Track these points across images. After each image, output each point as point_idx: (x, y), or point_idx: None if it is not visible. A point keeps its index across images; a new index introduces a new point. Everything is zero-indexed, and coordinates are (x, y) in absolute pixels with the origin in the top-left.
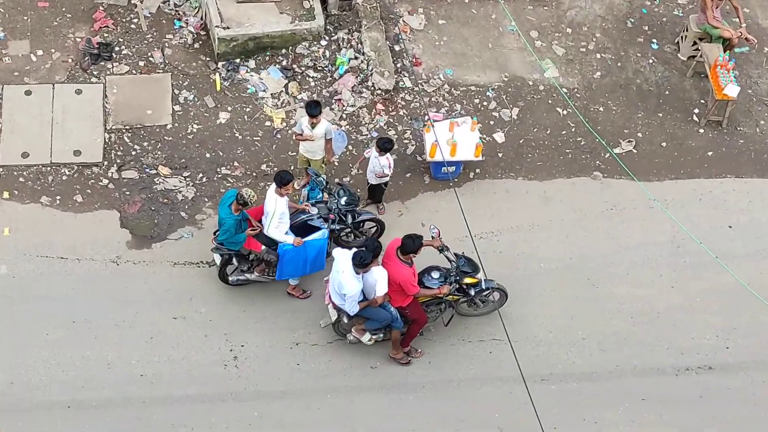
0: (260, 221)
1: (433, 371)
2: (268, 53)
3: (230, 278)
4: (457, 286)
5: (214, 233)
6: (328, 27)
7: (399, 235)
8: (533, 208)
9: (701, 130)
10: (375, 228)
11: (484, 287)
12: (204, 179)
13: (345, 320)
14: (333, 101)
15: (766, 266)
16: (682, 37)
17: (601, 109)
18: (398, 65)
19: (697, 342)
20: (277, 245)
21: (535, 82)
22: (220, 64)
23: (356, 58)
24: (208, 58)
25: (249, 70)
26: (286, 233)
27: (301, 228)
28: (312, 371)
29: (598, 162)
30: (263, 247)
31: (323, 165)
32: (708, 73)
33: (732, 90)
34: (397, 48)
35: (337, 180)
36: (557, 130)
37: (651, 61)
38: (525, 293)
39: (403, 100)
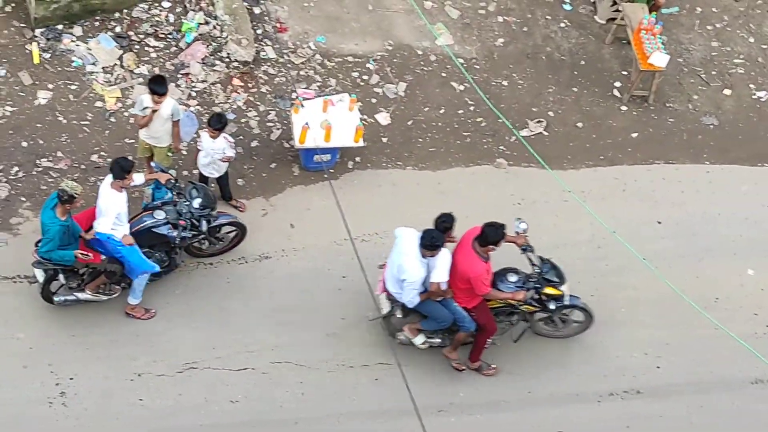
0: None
1: (307, 404)
2: (97, 18)
3: (55, 298)
4: (536, 296)
5: (36, 243)
6: None
7: (261, 239)
8: (426, 203)
9: (624, 108)
10: (235, 233)
11: (567, 303)
12: (20, 174)
13: (398, 315)
14: (179, 76)
15: (702, 269)
16: None
17: (504, 83)
18: (259, 32)
19: (623, 362)
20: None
21: (425, 51)
22: (38, 31)
23: (207, 23)
24: (23, 25)
25: (74, 39)
26: (158, 226)
27: (144, 235)
28: (158, 408)
29: (502, 147)
30: (103, 256)
31: (169, 154)
32: (630, 39)
33: (659, 59)
34: (257, 11)
35: (188, 176)
36: (453, 109)
37: (563, 25)
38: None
39: (266, 74)
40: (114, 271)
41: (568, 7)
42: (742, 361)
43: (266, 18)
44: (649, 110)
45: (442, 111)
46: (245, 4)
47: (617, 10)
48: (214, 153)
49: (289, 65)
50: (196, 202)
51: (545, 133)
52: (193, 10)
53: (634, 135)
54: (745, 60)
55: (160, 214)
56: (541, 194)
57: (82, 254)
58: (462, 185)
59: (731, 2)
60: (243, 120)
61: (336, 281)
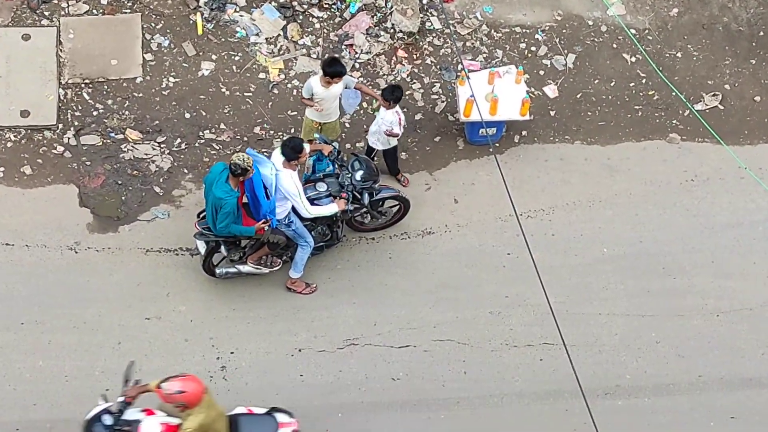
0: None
1: (469, 383)
2: None
3: (217, 270)
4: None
5: (199, 215)
6: None
7: (424, 215)
8: (594, 179)
9: None
10: (397, 207)
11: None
12: (183, 146)
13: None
14: (343, 47)
15: None
16: None
17: (678, 54)
18: (424, 2)
19: None
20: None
21: (595, 22)
22: (202, 1)
23: None
24: None
25: (238, 9)
26: (319, 198)
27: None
28: (318, 384)
29: (675, 121)
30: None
31: (338, 128)
32: None
33: None
34: None
35: (350, 148)
36: (624, 82)
37: None
38: (584, 286)
39: (431, 46)
40: (277, 242)
41: None
42: None
43: None
44: None
45: (612, 84)
46: None
47: None
48: (383, 123)
49: (454, 36)
50: (359, 175)
51: (721, 107)
52: None
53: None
54: None
55: (322, 186)
56: (715, 171)
57: (263, 225)
58: (632, 161)
59: None
60: (407, 92)
61: (500, 258)
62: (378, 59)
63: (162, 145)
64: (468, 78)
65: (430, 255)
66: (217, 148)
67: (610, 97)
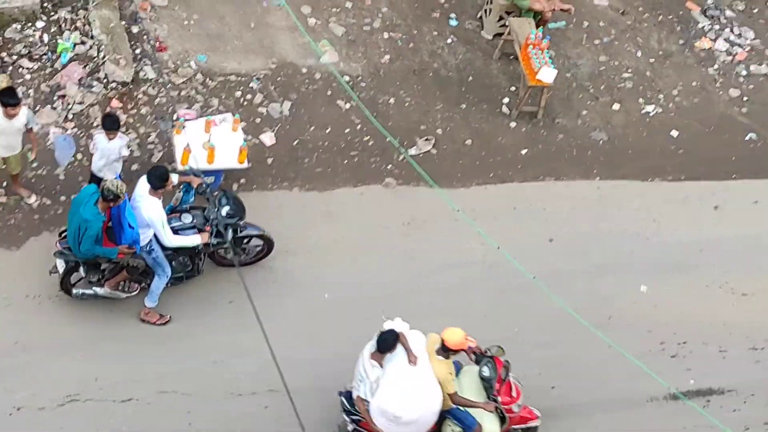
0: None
1: None
2: None
3: (74, 291)
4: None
5: (61, 234)
6: (45, 4)
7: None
8: (313, 225)
9: (513, 124)
10: (262, 247)
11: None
12: None
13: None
14: (55, 98)
15: (594, 287)
16: (485, 11)
17: (391, 100)
18: (138, 51)
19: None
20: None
21: (309, 69)
22: None
23: (83, 43)
24: None
25: None
26: (183, 229)
27: None
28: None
29: (390, 166)
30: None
31: (30, 156)
32: (518, 55)
33: (547, 74)
34: (135, 30)
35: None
36: (339, 128)
37: (450, 40)
38: (307, 332)
39: (146, 95)
40: (136, 266)
41: (454, 22)
42: (638, 379)
43: (145, 37)
44: (538, 126)
45: (328, 130)
46: (123, 23)
47: (504, 26)
48: (111, 154)
49: (169, 85)
50: (224, 210)
51: (434, 151)
52: (69, 30)
53: (524, 152)
54: (633, 74)
55: (187, 218)
56: (430, 214)
57: (126, 250)
58: (350, 206)
59: (618, 16)
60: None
61: (224, 307)
62: (91, 110)
63: None
64: (184, 127)
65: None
66: None
67: (326, 143)
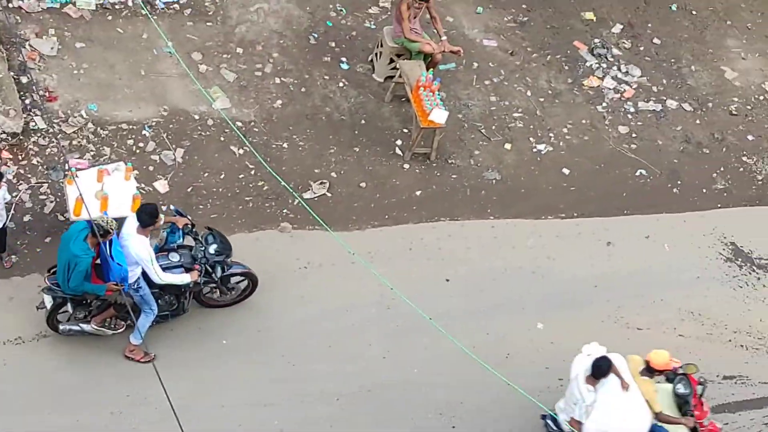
0: None
1: None
2: None
3: (61, 327)
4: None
5: (49, 270)
6: None
7: (39, 317)
8: None
9: (406, 166)
10: (246, 284)
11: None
12: None
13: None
14: None
15: (491, 326)
16: (376, 54)
17: (285, 145)
18: (27, 102)
19: (418, 423)
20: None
21: (202, 116)
22: None
23: None
24: None
25: None
26: (171, 268)
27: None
28: None
29: (285, 210)
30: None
31: None
32: (410, 97)
33: (439, 115)
34: (24, 80)
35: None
36: (233, 174)
37: (341, 84)
38: (204, 379)
39: (37, 146)
40: (124, 304)
41: (345, 66)
42: (537, 416)
43: (34, 87)
44: (431, 167)
45: (222, 176)
46: (11, 73)
47: (395, 68)
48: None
49: (60, 135)
50: (212, 248)
51: (329, 195)
52: None
53: (418, 193)
54: (523, 114)
55: (174, 257)
56: (327, 257)
57: (115, 287)
58: (246, 251)
59: (507, 57)
60: (14, 194)
61: (119, 358)
62: None
63: None
64: (76, 177)
65: (48, 359)
66: None
67: (220, 189)
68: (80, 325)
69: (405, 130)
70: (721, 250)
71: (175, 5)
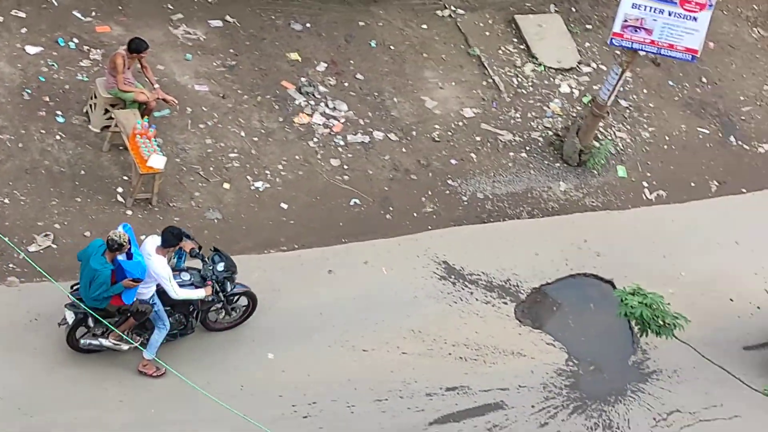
0: None
1: None
2: None
3: (81, 341)
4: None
5: (72, 287)
6: None
7: None
8: None
9: (129, 212)
10: (248, 304)
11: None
12: None
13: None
14: None
15: (225, 358)
16: (90, 105)
17: (6, 201)
18: None
19: None
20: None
21: None
22: None
23: None
24: None
25: None
26: (183, 286)
27: (166, 295)
28: None
29: (12, 265)
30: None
31: None
32: (127, 145)
33: (157, 161)
34: None
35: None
36: None
37: (59, 137)
38: None
39: None
40: (144, 311)
41: (61, 119)
42: None
43: None
44: (153, 212)
45: None
46: None
47: (110, 118)
48: None
49: None
50: (221, 266)
51: (54, 246)
52: None
53: (143, 237)
54: (239, 153)
55: (186, 276)
56: (58, 308)
57: (131, 283)
58: None
59: (219, 100)
60: None
61: None
62: None
63: None
64: None
65: None
66: None
67: None
68: (99, 339)
69: (125, 178)
70: (435, 269)
71: None
